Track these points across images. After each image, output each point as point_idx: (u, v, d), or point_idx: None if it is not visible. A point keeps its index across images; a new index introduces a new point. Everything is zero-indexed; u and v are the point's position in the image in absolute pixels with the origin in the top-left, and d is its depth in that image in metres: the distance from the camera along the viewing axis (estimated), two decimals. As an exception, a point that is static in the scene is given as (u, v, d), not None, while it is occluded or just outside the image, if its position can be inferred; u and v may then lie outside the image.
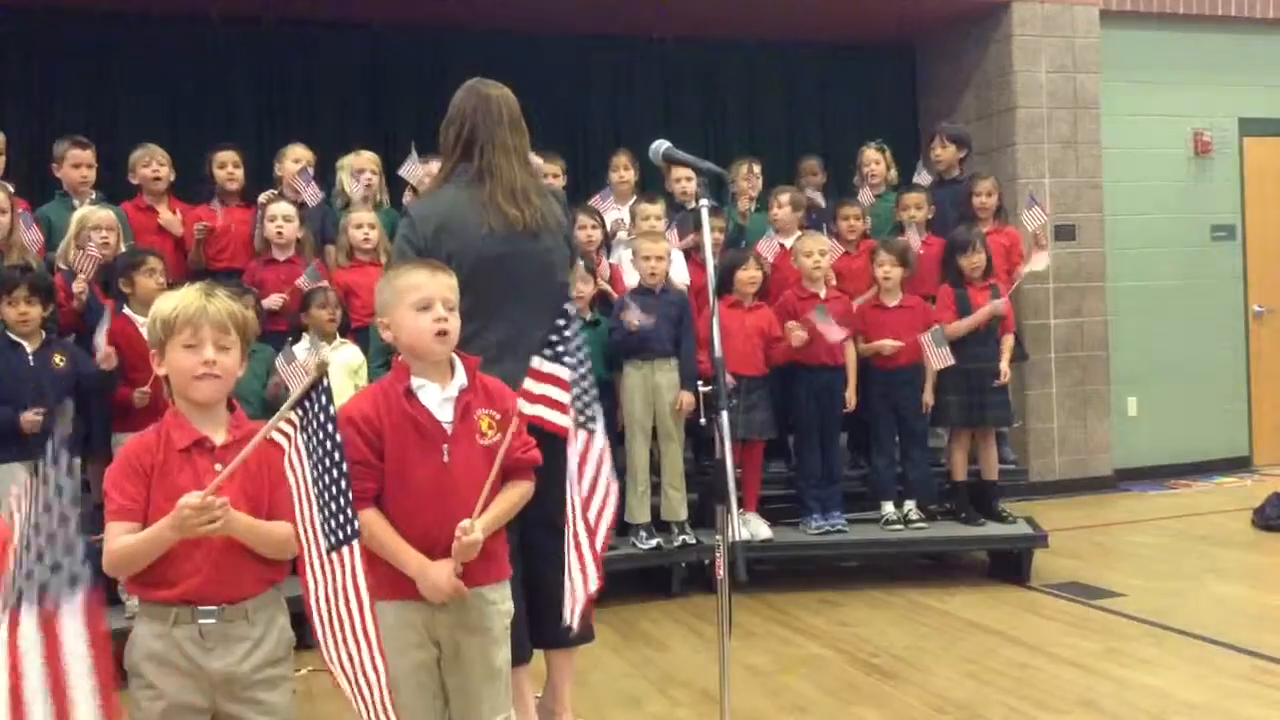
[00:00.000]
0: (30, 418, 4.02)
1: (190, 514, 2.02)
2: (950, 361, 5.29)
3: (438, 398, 2.43)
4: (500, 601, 2.51)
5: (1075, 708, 3.68)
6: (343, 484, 1.96)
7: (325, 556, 2.00)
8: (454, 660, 2.43)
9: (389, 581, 2.39)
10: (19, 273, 4.30)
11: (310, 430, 1.98)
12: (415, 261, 2.60)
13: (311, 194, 5.37)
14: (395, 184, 5.84)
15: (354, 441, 2.38)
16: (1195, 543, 6.00)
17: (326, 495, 1.98)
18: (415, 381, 2.43)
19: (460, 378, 2.46)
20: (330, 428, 1.95)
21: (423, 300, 2.42)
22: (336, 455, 1.96)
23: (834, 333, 5.14)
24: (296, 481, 2.03)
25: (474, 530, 2.32)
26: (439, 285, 2.45)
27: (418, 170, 5.67)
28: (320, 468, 1.98)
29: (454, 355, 2.48)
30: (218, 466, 2.17)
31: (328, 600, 2.01)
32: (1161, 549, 5.93)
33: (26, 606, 1.70)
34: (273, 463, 2.26)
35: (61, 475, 1.73)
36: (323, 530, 2.00)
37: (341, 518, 1.97)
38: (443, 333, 2.42)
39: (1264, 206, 8.18)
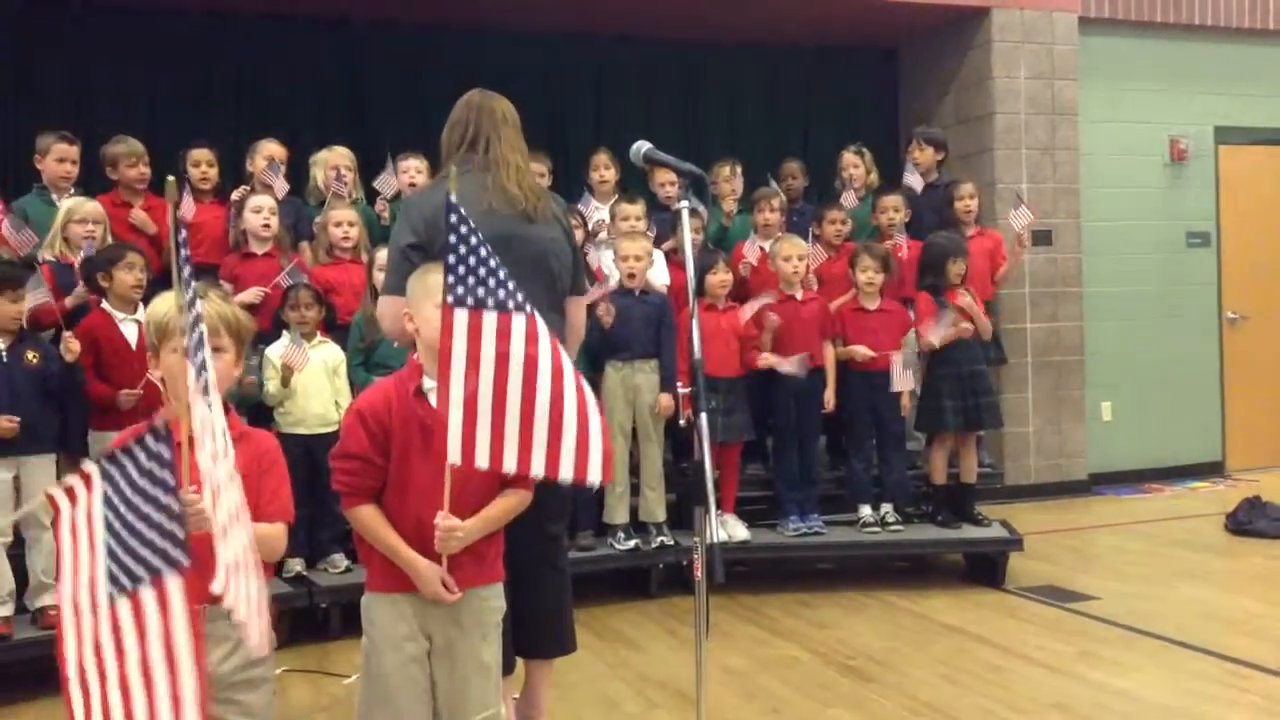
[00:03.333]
0: (4, 424, 3.98)
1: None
2: (912, 386, 5.29)
3: None
4: (493, 598, 2.55)
5: (1048, 710, 3.70)
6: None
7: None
8: (445, 654, 2.45)
9: (383, 575, 2.44)
10: (15, 269, 4.25)
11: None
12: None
13: (280, 186, 5.34)
14: (370, 180, 5.81)
15: (359, 436, 2.42)
16: (1169, 547, 6.04)
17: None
18: (427, 382, 2.45)
19: None
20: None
21: None
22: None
23: (796, 369, 5.15)
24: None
25: (449, 517, 2.33)
26: None
27: (392, 181, 5.66)
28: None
29: None
30: None
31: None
32: (1135, 553, 5.98)
33: (119, 595, 1.72)
34: (258, 458, 2.27)
35: (146, 454, 1.73)
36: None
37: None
38: None
39: (1238, 214, 8.26)
